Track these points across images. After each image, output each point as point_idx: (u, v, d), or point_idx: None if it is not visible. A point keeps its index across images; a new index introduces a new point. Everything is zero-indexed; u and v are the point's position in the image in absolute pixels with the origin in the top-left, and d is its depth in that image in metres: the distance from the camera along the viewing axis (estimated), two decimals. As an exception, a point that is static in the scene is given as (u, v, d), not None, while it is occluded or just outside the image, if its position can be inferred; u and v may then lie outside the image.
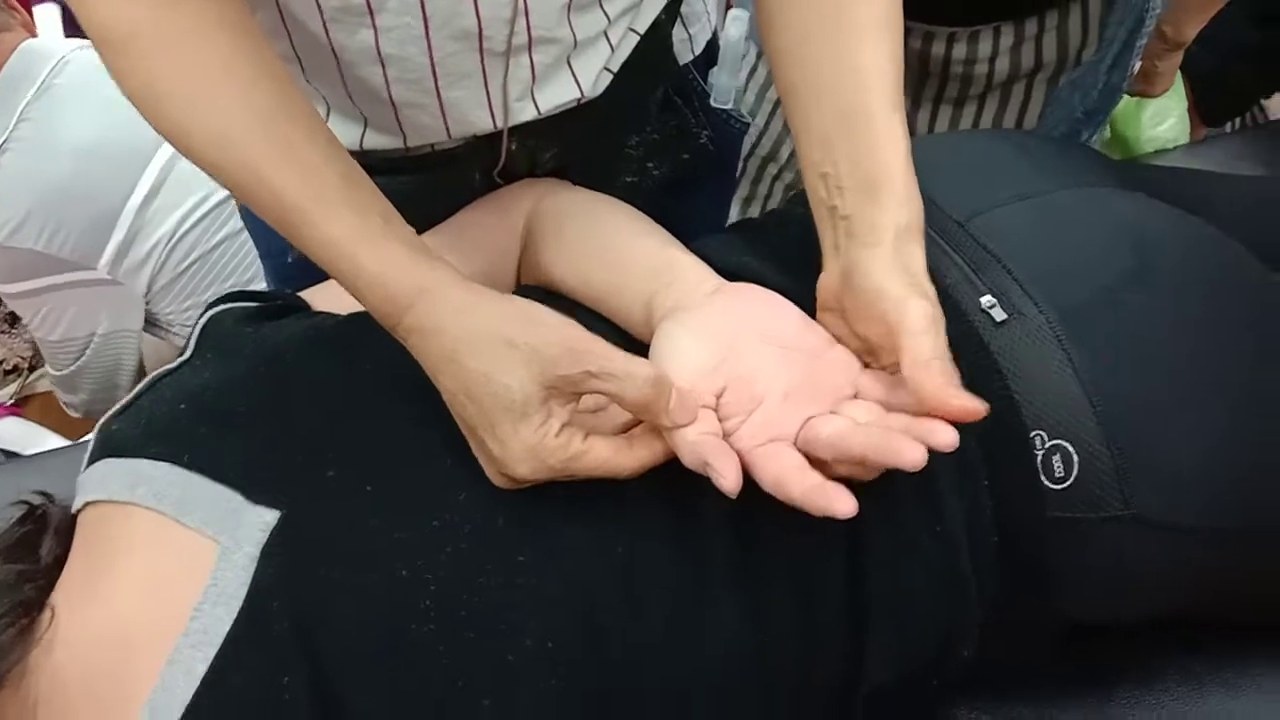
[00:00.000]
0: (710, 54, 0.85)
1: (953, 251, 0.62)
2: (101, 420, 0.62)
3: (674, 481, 0.52)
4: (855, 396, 0.53)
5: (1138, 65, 1.06)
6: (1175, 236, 0.64)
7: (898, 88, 0.57)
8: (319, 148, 0.55)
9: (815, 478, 0.47)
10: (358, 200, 0.55)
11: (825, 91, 0.58)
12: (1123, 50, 1.04)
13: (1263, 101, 1.58)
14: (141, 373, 1.56)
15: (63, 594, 0.55)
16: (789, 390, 0.52)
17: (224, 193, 1.38)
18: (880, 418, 0.50)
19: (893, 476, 0.49)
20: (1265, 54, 1.42)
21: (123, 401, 0.63)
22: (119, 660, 0.52)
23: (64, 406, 1.62)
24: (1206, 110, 1.48)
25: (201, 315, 0.66)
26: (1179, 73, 1.26)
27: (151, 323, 1.49)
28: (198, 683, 0.49)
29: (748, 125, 0.93)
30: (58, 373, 1.53)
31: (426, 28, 0.61)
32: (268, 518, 0.53)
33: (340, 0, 0.59)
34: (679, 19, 0.80)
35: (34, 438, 1.60)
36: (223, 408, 0.59)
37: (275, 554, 0.52)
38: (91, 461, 0.60)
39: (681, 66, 0.82)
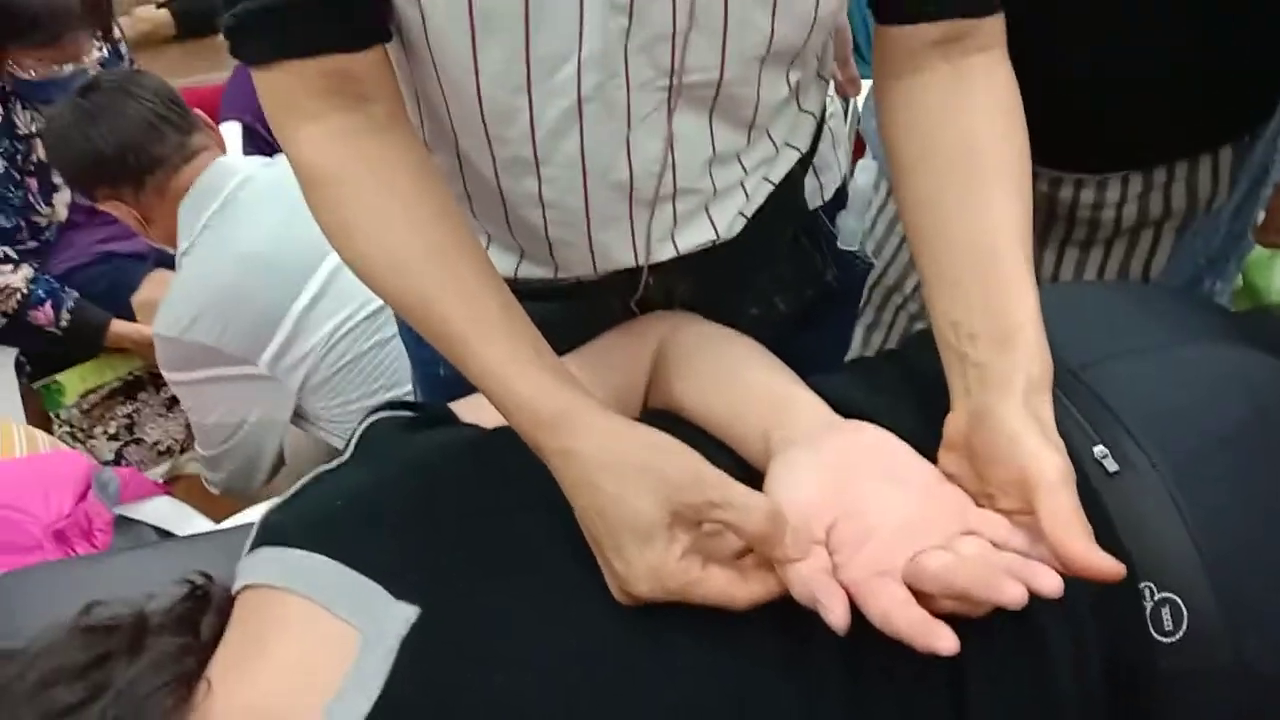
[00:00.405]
0: (840, 198, 0.90)
1: (1066, 400, 0.64)
2: (265, 511, 0.68)
3: (788, 613, 0.54)
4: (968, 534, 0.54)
5: (1262, 215, 1.06)
6: None
7: (1028, 239, 0.61)
8: (483, 281, 0.62)
9: (920, 613, 0.49)
10: (513, 330, 0.61)
11: (957, 243, 0.62)
12: (1246, 199, 1.04)
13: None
14: (281, 461, 1.66)
15: (218, 669, 0.60)
16: (900, 524, 0.55)
17: (378, 303, 1.48)
18: (987, 552, 0.52)
19: (1000, 618, 0.50)
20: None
21: (287, 494, 0.68)
22: None
23: (205, 483, 1.72)
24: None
25: (361, 422, 0.73)
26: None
27: (300, 415, 1.59)
28: None
29: (871, 266, 0.97)
30: (205, 453, 1.64)
31: (585, 179, 0.68)
32: (409, 613, 0.57)
33: (511, 152, 0.67)
34: (811, 169, 0.85)
35: (181, 516, 1.70)
36: (374, 507, 0.64)
37: (413, 647, 0.56)
38: (253, 548, 0.65)
39: (811, 211, 0.87)
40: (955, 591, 0.50)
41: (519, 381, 0.59)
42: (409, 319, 0.64)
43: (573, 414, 0.58)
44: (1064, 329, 0.68)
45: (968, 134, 0.65)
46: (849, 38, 1.18)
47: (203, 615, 0.64)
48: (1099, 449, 0.61)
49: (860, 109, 1.27)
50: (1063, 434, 0.61)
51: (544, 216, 0.71)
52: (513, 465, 0.64)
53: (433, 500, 0.64)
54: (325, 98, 0.61)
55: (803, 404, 0.65)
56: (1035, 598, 0.48)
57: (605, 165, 0.68)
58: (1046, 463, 0.52)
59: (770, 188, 0.79)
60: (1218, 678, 0.57)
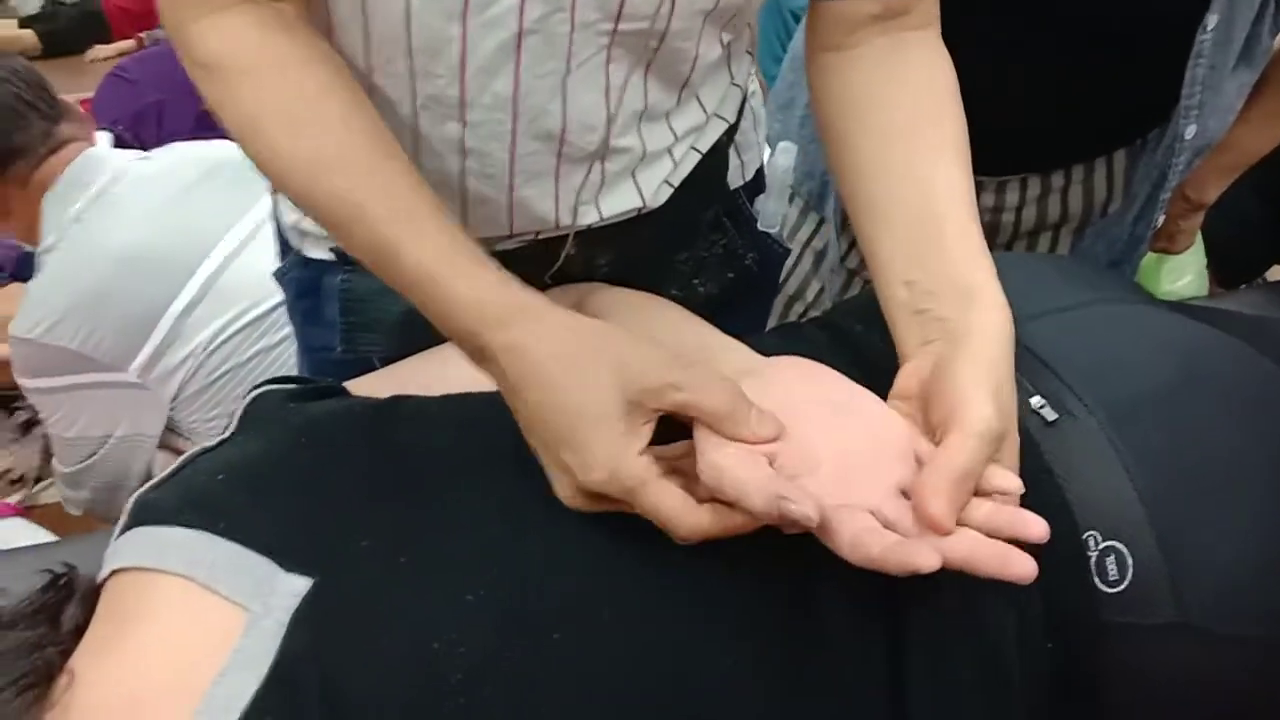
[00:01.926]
0: (759, 182, 0.90)
1: None
2: (138, 493, 0.62)
3: (719, 575, 0.52)
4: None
5: (1161, 219, 1.10)
6: (1217, 346, 0.65)
7: (975, 207, 0.61)
8: (411, 181, 0.58)
9: (893, 536, 0.47)
10: (447, 226, 0.57)
11: (908, 205, 0.62)
12: (1146, 204, 1.08)
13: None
14: (148, 480, 1.55)
15: (81, 659, 0.54)
16: (849, 452, 0.53)
17: (263, 308, 1.41)
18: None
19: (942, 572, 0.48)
20: (1273, 227, 1.48)
21: (161, 474, 0.63)
22: None
23: (64, 502, 1.60)
24: (1221, 274, 1.53)
25: (246, 396, 0.68)
26: (1199, 233, 1.31)
27: (171, 429, 1.49)
28: None
29: (788, 251, 0.96)
30: (65, 469, 1.52)
31: (514, 125, 0.65)
32: (299, 586, 0.53)
33: (435, 89, 0.63)
34: (733, 146, 0.84)
35: (35, 539, 1.58)
36: (261, 478, 0.59)
37: (305, 621, 0.52)
38: (124, 530, 0.59)
39: (732, 191, 0.86)
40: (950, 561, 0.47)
41: (460, 280, 0.55)
42: (327, 225, 0.59)
43: (522, 306, 0.54)
44: None
45: (908, 103, 0.65)
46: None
47: (64, 606, 0.58)
48: (1036, 399, 0.60)
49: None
50: None
51: (463, 166, 0.68)
52: (409, 427, 0.61)
53: (323, 467, 0.60)
54: None
55: (731, 348, 0.64)
56: None
57: (538, 110, 0.64)
58: (975, 417, 0.50)
59: (697, 157, 0.77)
60: (1160, 632, 0.56)
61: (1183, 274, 1.41)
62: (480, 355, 0.56)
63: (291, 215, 0.81)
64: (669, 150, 0.74)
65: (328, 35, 0.63)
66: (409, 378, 0.68)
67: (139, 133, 2.32)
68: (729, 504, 0.51)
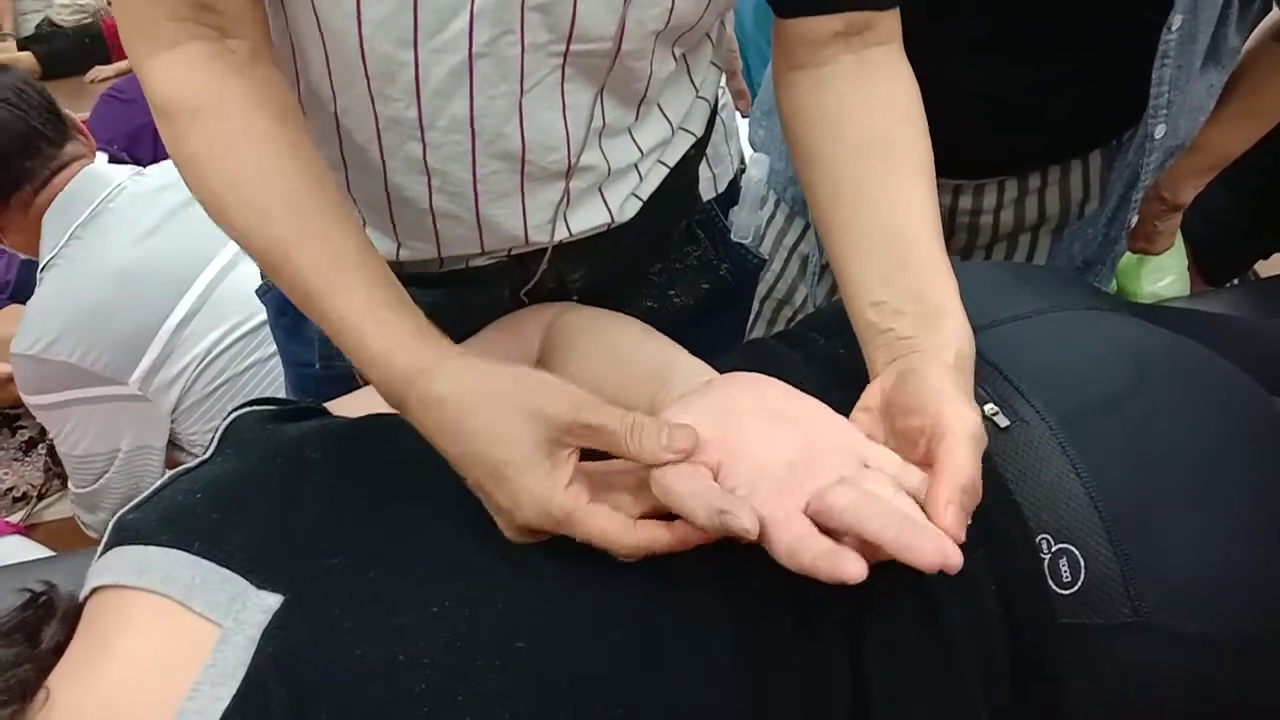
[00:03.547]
0: (732, 194, 0.91)
1: None
2: (119, 513, 0.63)
3: (677, 574, 0.54)
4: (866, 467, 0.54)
5: (1134, 218, 1.11)
6: (1171, 350, 0.66)
7: (939, 224, 0.63)
8: (343, 230, 0.59)
9: (825, 542, 0.48)
10: (370, 279, 0.59)
11: (874, 226, 0.63)
12: (1120, 204, 1.09)
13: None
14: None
15: (59, 676, 0.55)
16: (792, 459, 0.54)
17: (256, 320, 1.43)
18: (894, 497, 0.51)
19: (897, 575, 0.49)
20: (1251, 219, 1.48)
21: (142, 495, 0.64)
22: None
23: (82, 527, 1.61)
24: (1206, 271, 1.54)
25: (225, 418, 0.69)
26: (1179, 233, 1.32)
27: (173, 442, 1.51)
28: None
29: (763, 262, 0.97)
30: (79, 490, 1.54)
31: (473, 146, 0.66)
32: (270, 601, 0.54)
33: (394, 112, 0.65)
34: (705, 159, 0.86)
35: (34, 556, 1.59)
36: (235, 497, 0.61)
37: (274, 636, 0.53)
38: (105, 550, 0.61)
39: (705, 203, 0.87)
40: (864, 535, 0.48)
41: (376, 336, 0.57)
42: (262, 265, 0.61)
43: (435, 359, 0.57)
44: None
45: (876, 122, 0.66)
46: (736, 49, 1.20)
47: (45, 625, 0.59)
48: (989, 406, 0.62)
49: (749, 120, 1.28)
50: None
51: (429, 185, 0.69)
52: (380, 446, 0.62)
53: (297, 486, 0.61)
54: (183, 24, 0.58)
55: (684, 366, 0.65)
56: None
57: (495, 132, 0.66)
58: (965, 419, 0.52)
59: (665, 171, 0.78)
60: (1117, 633, 0.57)
61: (1164, 274, 1.42)
62: (402, 407, 0.58)
63: None
64: (635, 166, 0.75)
65: (293, 61, 0.65)
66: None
67: (134, 152, 2.34)
68: (671, 518, 0.53)
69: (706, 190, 0.87)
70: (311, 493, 0.61)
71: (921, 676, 0.56)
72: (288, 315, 0.87)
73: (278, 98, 0.61)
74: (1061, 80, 0.99)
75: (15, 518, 1.93)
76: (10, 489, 1.97)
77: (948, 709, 0.57)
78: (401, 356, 0.57)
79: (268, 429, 0.67)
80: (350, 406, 0.71)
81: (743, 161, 0.98)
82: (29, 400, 1.46)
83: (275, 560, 0.56)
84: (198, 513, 0.60)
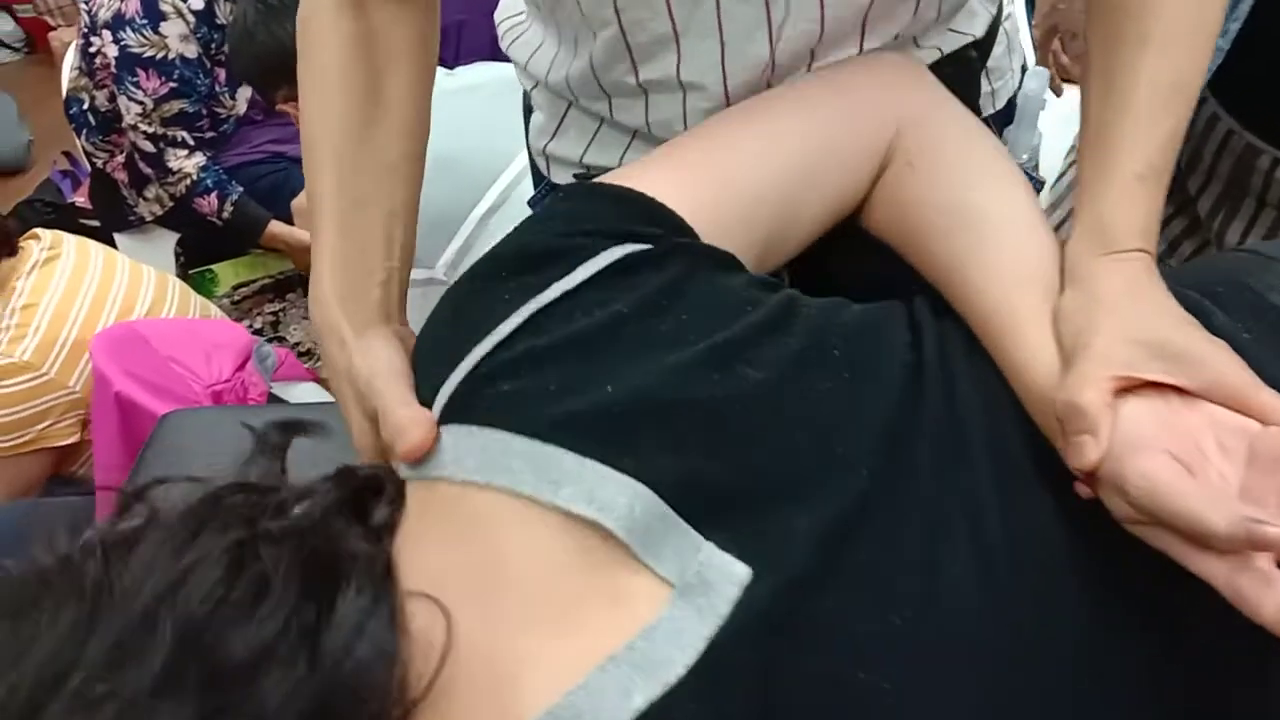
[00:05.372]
0: (1009, 111, 0.86)
1: None
2: (477, 357, 0.48)
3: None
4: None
5: None
6: None
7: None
8: (339, 176, 0.64)
9: None
10: (367, 221, 0.64)
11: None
12: None
13: None
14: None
15: (452, 594, 0.44)
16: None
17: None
18: None
19: None
20: None
21: (496, 335, 0.49)
22: None
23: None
24: None
25: (599, 252, 0.52)
26: None
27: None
28: (635, 713, 0.40)
29: (1042, 184, 0.92)
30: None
31: (723, 54, 0.64)
32: (738, 571, 0.43)
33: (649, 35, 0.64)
34: (985, 72, 0.82)
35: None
36: (671, 403, 0.46)
37: (741, 616, 0.43)
38: (462, 419, 0.47)
39: (984, 119, 0.82)
40: None
41: (329, 276, 0.63)
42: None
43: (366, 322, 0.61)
44: None
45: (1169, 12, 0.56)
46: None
47: (373, 505, 0.49)
48: None
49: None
50: None
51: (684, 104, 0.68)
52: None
53: (767, 400, 0.47)
54: None
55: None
56: None
57: (744, 33, 0.63)
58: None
59: (937, 55, 0.72)
60: None
61: None
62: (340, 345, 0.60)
63: (539, 141, 0.82)
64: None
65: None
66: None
67: (439, 49, 2.47)
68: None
69: (985, 105, 0.83)
70: (792, 408, 0.47)
71: None
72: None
73: (382, 38, 0.66)
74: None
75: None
76: (298, 343, 2.19)
77: None
78: (345, 303, 0.62)
79: (696, 283, 0.51)
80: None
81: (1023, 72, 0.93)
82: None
83: (734, 517, 0.44)
84: (621, 420, 0.45)
